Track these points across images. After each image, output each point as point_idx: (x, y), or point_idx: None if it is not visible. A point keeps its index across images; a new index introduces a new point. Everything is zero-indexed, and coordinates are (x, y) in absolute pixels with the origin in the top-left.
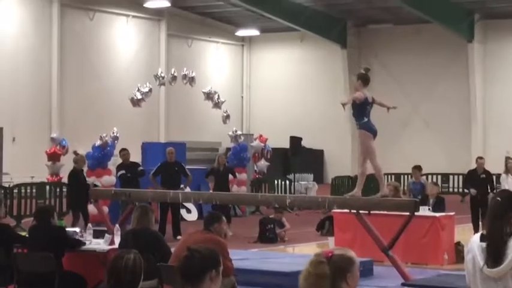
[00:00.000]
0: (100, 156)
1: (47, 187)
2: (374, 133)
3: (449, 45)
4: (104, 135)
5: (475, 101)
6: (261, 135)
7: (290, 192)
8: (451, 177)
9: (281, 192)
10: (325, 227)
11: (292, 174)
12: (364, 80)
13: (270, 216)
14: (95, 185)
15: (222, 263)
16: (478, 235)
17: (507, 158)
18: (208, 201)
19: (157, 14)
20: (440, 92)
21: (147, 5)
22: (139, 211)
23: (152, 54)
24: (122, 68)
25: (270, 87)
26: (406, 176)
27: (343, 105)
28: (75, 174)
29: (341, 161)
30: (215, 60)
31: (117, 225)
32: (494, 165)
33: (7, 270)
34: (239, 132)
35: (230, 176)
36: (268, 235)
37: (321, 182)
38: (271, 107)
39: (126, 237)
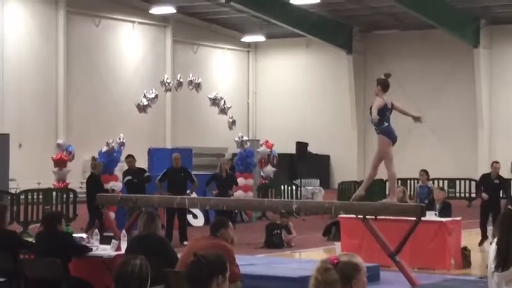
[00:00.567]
0: (106, 162)
1: (54, 193)
2: (394, 139)
3: (455, 51)
4: (111, 141)
5: (482, 106)
6: (267, 141)
7: (296, 198)
8: (457, 182)
9: (287, 198)
10: (332, 232)
11: (299, 180)
12: (384, 85)
13: (277, 222)
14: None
15: (229, 269)
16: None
17: None
18: (215, 207)
19: (163, 21)
20: (447, 98)
21: (153, 11)
22: (145, 217)
23: (158, 60)
24: (128, 74)
25: (275, 92)
26: (412, 181)
27: (374, 119)
28: (93, 180)
29: (347, 166)
30: (221, 66)
31: (123, 231)
32: (501, 170)
33: (14, 277)
34: (245, 138)
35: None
36: (275, 240)
37: (327, 187)
38: (277, 113)
39: (133, 242)
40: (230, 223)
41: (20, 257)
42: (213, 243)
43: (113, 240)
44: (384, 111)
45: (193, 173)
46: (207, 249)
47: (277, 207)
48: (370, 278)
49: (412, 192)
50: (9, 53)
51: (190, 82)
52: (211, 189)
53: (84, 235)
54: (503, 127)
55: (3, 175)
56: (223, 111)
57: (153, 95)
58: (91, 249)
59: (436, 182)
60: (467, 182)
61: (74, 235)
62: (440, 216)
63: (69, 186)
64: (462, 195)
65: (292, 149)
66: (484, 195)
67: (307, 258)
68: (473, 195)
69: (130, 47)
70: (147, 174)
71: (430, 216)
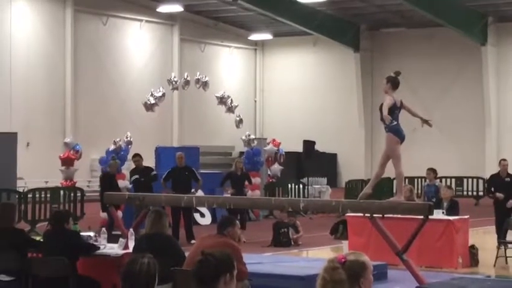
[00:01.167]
0: None
1: (61, 192)
2: (402, 138)
3: (463, 49)
4: (118, 139)
5: (489, 104)
6: (274, 139)
7: (304, 196)
8: (465, 180)
9: (295, 196)
10: (339, 230)
11: (306, 178)
12: (394, 83)
13: (284, 220)
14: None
15: (236, 267)
16: None
17: None
18: (222, 206)
19: (170, 19)
20: (454, 96)
21: (160, 9)
22: (153, 215)
23: (165, 58)
24: (135, 72)
25: (283, 91)
26: (420, 180)
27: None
28: (108, 179)
29: (354, 165)
30: (228, 65)
31: (131, 230)
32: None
33: (22, 275)
34: (252, 137)
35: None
36: (282, 239)
37: (335, 185)
38: (284, 111)
39: (140, 241)
40: (237, 222)
41: (28, 255)
42: (220, 241)
43: (121, 239)
44: (393, 109)
45: (200, 171)
46: (214, 248)
47: (284, 206)
48: (378, 277)
49: (419, 191)
50: (17, 51)
51: (198, 80)
52: (226, 187)
53: (91, 233)
54: (511, 125)
55: (11, 174)
56: (231, 109)
57: (160, 94)
58: (98, 248)
59: (443, 180)
60: (474, 180)
61: (81, 233)
62: (447, 214)
63: (77, 185)
64: (470, 193)
65: (299, 148)
66: (500, 195)
67: (314, 257)
68: (481, 193)
69: (138, 45)
70: (154, 172)
71: (438, 214)
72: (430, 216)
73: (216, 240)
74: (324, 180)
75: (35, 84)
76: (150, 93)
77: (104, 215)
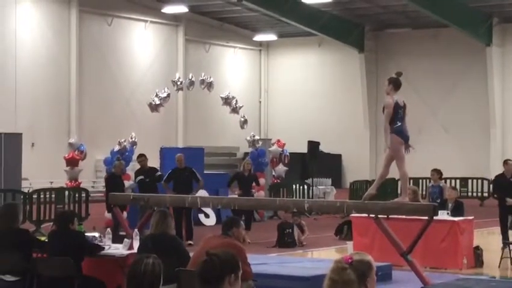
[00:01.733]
0: None
1: (66, 192)
2: (406, 139)
3: (467, 49)
4: (123, 140)
5: (494, 104)
6: (278, 140)
7: (308, 197)
8: (469, 181)
9: (299, 197)
10: (344, 231)
11: (310, 179)
12: (396, 84)
13: (289, 221)
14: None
15: (241, 268)
16: None
17: None
18: (227, 206)
19: (175, 20)
20: (459, 96)
21: (165, 10)
22: (158, 216)
23: (170, 59)
24: (140, 73)
25: (287, 91)
26: (424, 181)
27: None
28: (112, 179)
29: (359, 166)
30: (233, 65)
31: (136, 230)
32: None
33: (27, 276)
34: (257, 137)
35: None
36: (287, 240)
37: (339, 186)
38: (289, 112)
39: (145, 242)
40: (242, 222)
41: (32, 256)
42: (224, 242)
43: (125, 239)
44: (397, 110)
45: (205, 172)
46: (219, 248)
47: (289, 207)
48: (382, 277)
49: (424, 192)
50: (22, 52)
51: (202, 81)
52: (234, 188)
53: (96, 234)
54: None
55: (16, 174)
56: (235, 110)
57: (165, 94)
58: (103, 248)
59: (448, 181)
60: (479, 181)
61: (86, 234)
62: (452, 215)
63: (82, 186)
64: (474, 194)
65: (304, 148)
66: (510, 201)
67: (319, 258)
68: (486, 194)
69: (143, 46)
70: (159, 173)
71: (442, 215)
72: (434, 217)
73: (221, 241)
74: (329, 181)
75: (40, 85)
76: (155, 94)
77: (108, 215)
